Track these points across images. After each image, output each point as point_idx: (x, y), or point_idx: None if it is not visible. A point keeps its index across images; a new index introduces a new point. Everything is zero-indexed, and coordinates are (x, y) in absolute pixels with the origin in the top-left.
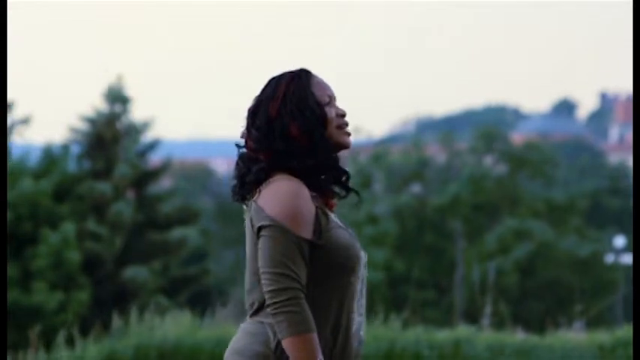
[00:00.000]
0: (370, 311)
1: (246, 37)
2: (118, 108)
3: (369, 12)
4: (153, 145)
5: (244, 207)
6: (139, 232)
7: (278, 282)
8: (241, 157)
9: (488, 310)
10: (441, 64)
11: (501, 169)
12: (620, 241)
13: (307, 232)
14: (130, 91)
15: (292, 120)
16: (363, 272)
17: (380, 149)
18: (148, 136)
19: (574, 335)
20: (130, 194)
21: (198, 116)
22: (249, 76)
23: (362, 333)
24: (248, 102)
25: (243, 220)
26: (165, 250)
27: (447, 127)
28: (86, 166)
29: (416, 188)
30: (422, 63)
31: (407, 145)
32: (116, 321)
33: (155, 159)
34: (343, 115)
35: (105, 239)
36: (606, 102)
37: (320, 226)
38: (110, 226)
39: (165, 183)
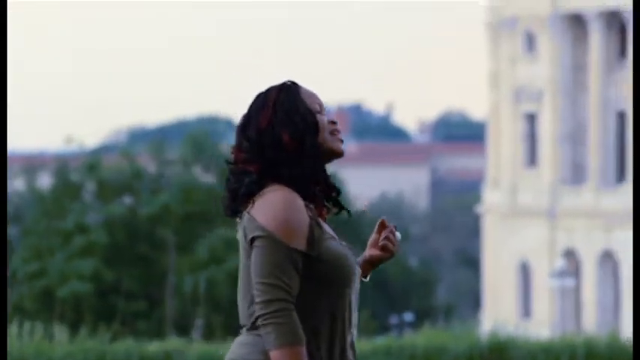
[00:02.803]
0: (78, 323)
1: None
2: None
3: (89, 11)
4: None
5: (237, 220)
6: None
7: (268, 293)
8: (231, 171)
9: (199, 321)
10: (154, 72)
11: (210, 178)
12: None
13: (300, 243)
14: None
15: (283, 128)
16: (357, 284)
17: (91, 159)
18: None
19: None
20: None
21: None
22: None
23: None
24: None
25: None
26: None
27: (160, 137)
28: None
29: (128, 199)
30: (135, 71)
31: (118, 155)
32: None
33: None
34: (334, 122)
35: None
36: None
37: (313, 237)
38: None
39: None
